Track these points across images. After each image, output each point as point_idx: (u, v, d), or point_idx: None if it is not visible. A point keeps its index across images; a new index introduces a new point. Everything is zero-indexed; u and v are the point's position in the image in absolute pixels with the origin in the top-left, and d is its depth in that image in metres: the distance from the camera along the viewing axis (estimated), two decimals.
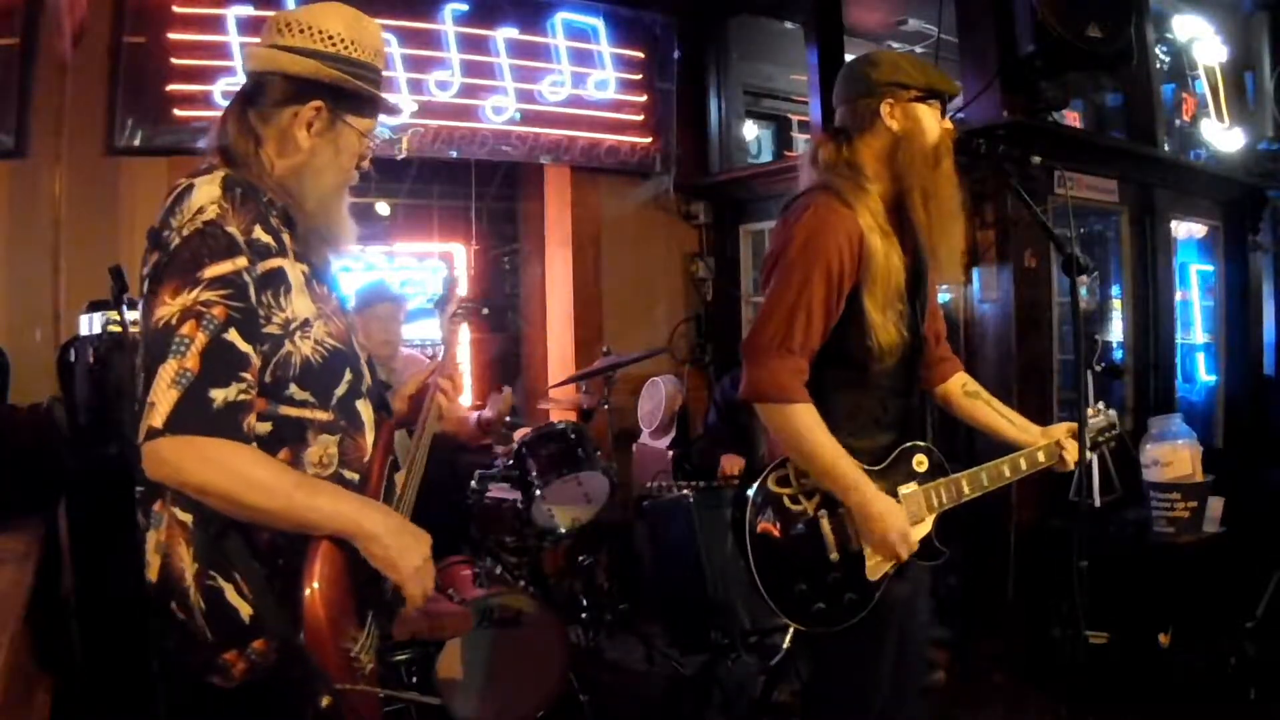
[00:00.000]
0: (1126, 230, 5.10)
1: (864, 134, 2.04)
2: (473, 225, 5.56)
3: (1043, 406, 4.32)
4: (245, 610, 1.40)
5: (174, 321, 1.34)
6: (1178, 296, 5.54)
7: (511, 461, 3.72)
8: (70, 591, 3.35)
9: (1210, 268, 6.07)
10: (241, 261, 1.39)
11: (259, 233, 1.44)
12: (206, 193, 1.42)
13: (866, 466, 1.99)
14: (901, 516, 1.98)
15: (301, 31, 1.54)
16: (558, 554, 4.63)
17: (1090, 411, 2.33)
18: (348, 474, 1.53)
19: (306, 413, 1.47)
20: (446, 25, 5.02)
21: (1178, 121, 5.85)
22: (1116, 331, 5.24)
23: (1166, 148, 5.41)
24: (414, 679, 3.09)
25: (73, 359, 3.69)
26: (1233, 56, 6.16)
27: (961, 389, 2.29)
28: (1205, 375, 6.04)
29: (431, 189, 5.56)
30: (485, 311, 2.40)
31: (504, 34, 5.17)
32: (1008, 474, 2.14)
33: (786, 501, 1.99)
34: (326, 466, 1.50)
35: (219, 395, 1.33)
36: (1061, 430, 2.22)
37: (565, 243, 5.61)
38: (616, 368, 4.34)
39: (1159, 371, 5.16)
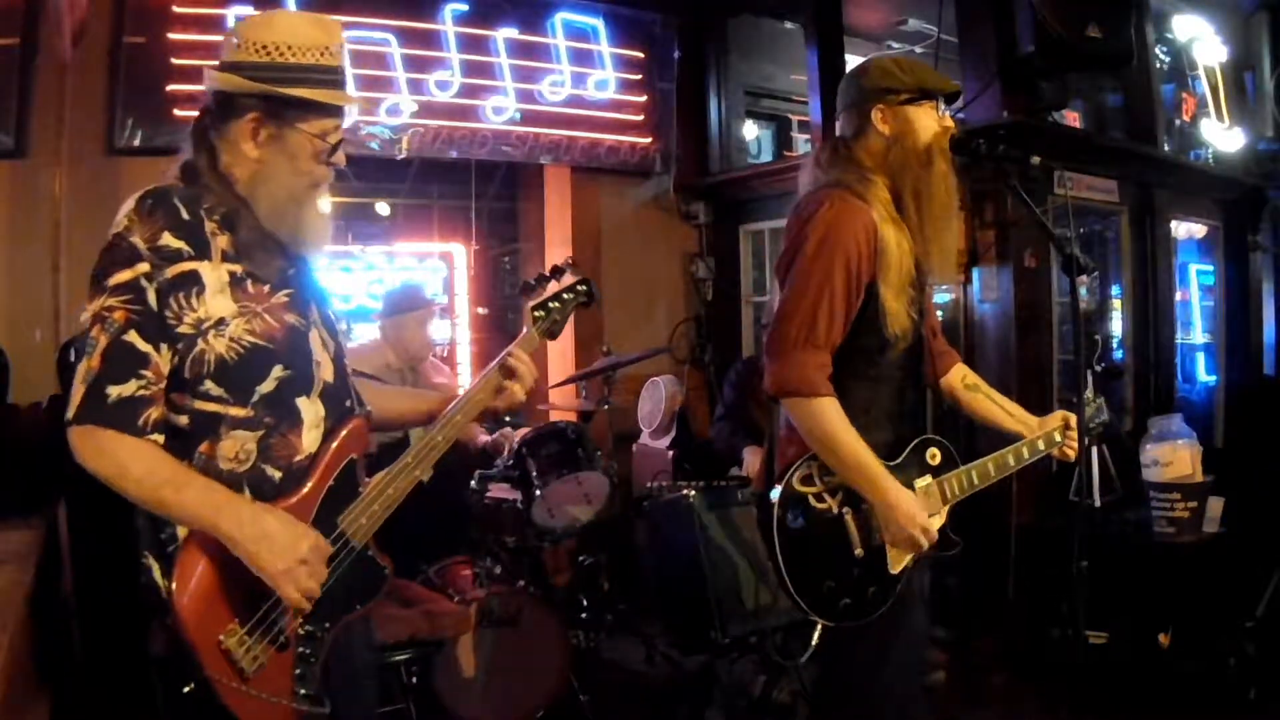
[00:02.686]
0: (1126, 230, 5.10)
1: (860, 139, 2.10)
2: (473, 225, 5.56)
3: (1043, 406, 4.29)
4: (164, 586, 1.53)
5: (88, 326, 1.50)
6: (1178, 296, 5.54)
7: (511, 461, 3.72)
8: (70, 591, 3.35)
9: (1210, 268, 6.07)
10: (142, 268, 1.50)
11: (167, 239, 1.52)
12: (124, 209, 1.56)
13: (884, 461, 2.02)
14: (920, 510, 2.01)
15: (238, 46, 1.60)
16: (558, 554, 4.62)
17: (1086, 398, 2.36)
18: (270, 470, 1.58)
19: (219, 408, 1.55)
20: (446, 25, 5.02)
21: (1178, 121, 5.85)
22: (1116, 331, 5.24)
23: (1166, 148, 5.42)
24: (414, 679, 3.09)
25: (73, 359, 3.69)
26: (1233, 56, 6.16)
27: (962, 381, 2.33)
28: (1205, 375, 6.04)
29: (431, 189, 5.56)
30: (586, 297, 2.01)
31: (504, 34, 5.17)
32: (1012, 463, 2.19)
33: (811, 500, 2.01)
34: (243, 462, 1.56)
35: (114, 391, 1.47)
36: (1056, 420, 2.27)
37: (565, 243, 5.61)
38: (616, 368, 4.34)
39: (1159, 371, 5.16)
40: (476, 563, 3.53)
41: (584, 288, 1.98)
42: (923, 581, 2.17)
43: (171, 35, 4.33)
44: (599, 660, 4.06)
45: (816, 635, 3.35)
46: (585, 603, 4.15)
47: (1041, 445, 2.23)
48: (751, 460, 3.86)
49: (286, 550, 1.49)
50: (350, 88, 1.69)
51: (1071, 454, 2.23)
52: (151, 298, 1.50)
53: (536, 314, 1.90)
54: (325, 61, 1.62)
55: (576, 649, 3.84)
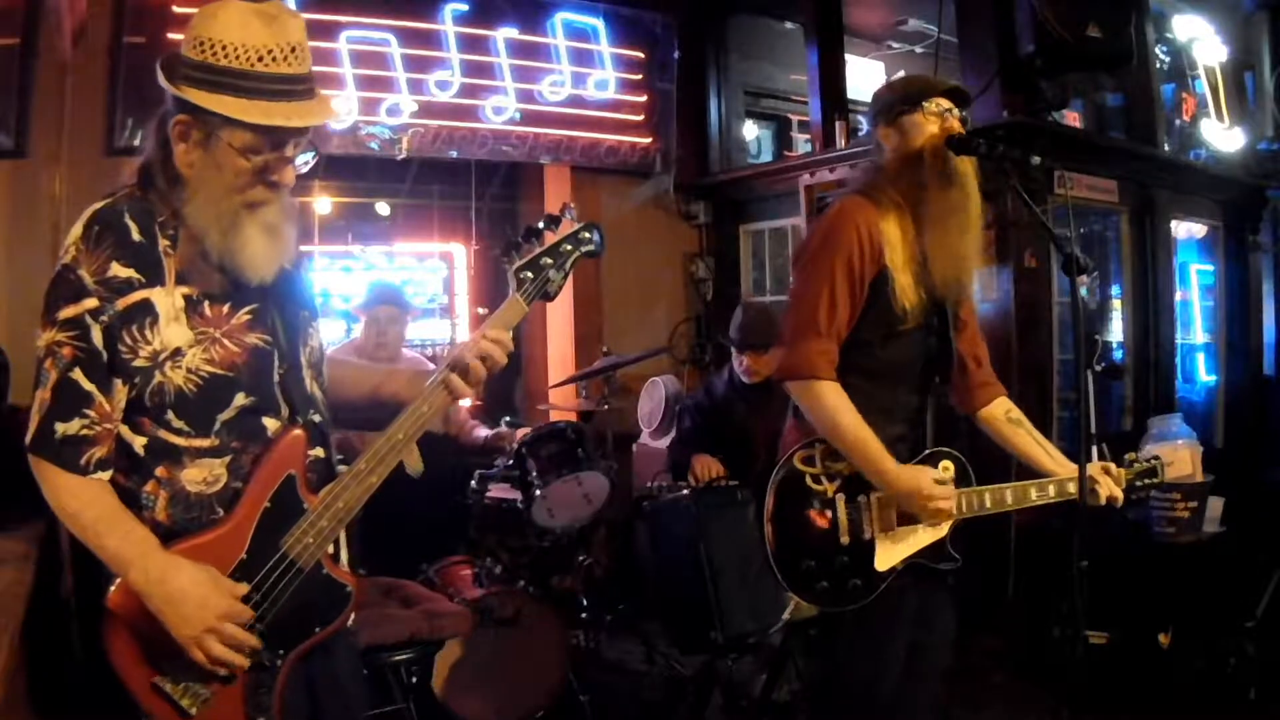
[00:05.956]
0: (1126, 230, 5.10)
1: (878, 160, 2.23)
2: (473, 225, 5.55)
3: (1043, 406, 4.32)
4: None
5: (41, 355, 1.49)
6: (1178, 296, 5.54)
7: (511, 461, 3.72)
8: (70, 591, 3.35)
9: (1210, 268, 6.07)
10: (89, 303, 1.45)
11: (116, 269, 1.45)
12: (73, 232, 1.47)
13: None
14: (927, 477, 2.05)
15: (186, 40, 1.46)
16: (558, 554, 4.62)
17: (1129, 456, 2.36)
18: (244, 487, 1.54)
19: (183, 440, 1.50)
20: (446, 25, 5.02)
21: (1178, 121, 5.85)
22: (1116, 331, 5.24)
23: (1166, 148, 5.41)
24: (414, 679, 3.09)
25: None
26: (1233, 56, 6.16)
27: (1005, 415, 2.34)
28: (1205, 375, 6.04)
29: (431, 189, 5.55)
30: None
31: (504, 34, 5.17)
32: (1034, 497, 2.18)
33: (808, 480, 2.09)
34: (212, 485, 1.51)
35: (60, 428, 1.46)
36: (1095, 469, 2.24)
37: None
38: (616, 368, 4.34)
39: (1159, 371, 5.16)
40: (476, 563, 3.53)
41: (589, 234, 1.67)
42: (944, 583, 2.19)
43: (171, 35, 4.31)
44: (599, 660, 4.06)
45: (786, 612, 3.37)
46: (585, 603, 4.15)
47: (1070, 488, 2.20)
48: (699, 465, 3.89)
49: (193, 616, 1.42)
50: (325, 97, 1.53)
51: (1102, 498, 2.20)
52: (96, 336, 1.45)
53: (523, 275, 1.61)
54: (266, 68, 1.41)
55: (576, 649, 3.84)
